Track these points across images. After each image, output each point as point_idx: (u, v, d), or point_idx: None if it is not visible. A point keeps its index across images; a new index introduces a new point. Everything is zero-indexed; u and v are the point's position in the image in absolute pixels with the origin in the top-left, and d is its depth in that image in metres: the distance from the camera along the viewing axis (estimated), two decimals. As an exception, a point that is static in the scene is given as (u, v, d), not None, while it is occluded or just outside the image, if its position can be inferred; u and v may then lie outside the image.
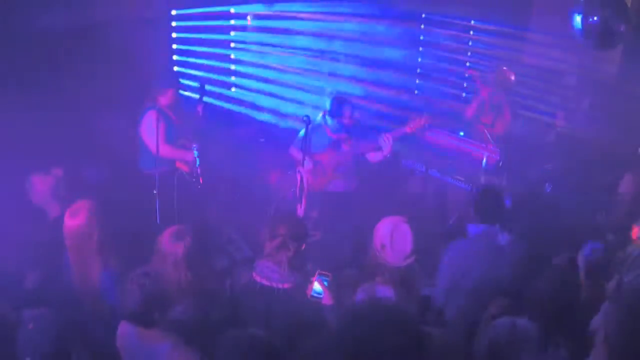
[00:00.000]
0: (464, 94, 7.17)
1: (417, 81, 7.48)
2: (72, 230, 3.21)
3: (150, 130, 4.59)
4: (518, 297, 2.77)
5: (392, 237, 2.90)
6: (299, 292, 2.84)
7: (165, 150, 4.65)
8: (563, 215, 4.37)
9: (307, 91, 6.85)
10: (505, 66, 5.94)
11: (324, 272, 2.78)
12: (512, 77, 5.70)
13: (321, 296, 2.85)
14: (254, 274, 2.90)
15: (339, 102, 4.85)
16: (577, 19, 5.07)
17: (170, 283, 2.80)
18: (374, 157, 4.92)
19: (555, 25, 5.94)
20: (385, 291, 2.89)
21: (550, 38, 6.30)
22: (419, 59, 7.47)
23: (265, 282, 2.85)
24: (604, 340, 1.98)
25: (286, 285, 2.83)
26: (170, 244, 3.10)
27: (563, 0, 5.25)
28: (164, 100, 4.79)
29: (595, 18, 5.00)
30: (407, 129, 4.79)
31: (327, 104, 4.94)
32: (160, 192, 4.51)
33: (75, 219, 3.21)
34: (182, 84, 5.49)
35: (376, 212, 3.27)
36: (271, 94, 7.03)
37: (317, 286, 2.81)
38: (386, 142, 4.71)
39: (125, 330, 2.70)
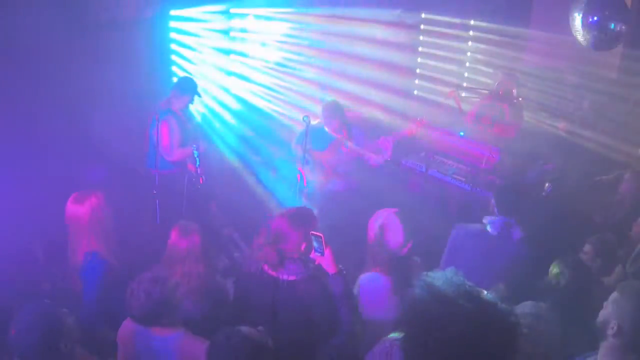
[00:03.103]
0: (462, 94, 7.13)
1: (417, 82, 7.47)
2: (73, 215, 3.24)
3: (169, 134, 4.67)
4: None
5: (384, 228, 3.01)
6: (305, 285, 2.77)
7: (180, 154, 4.79)
8: (563, 214, 4.36)
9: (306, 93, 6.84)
10: (506, 74, 5.83)
11: (315, 233, 2.69)
12: (514, 88, 5.56)
13: (320, 253, 2.71)
14: (263, 265, 2.81)
15: (330, 108, 4.85)
16: (577, 18, 5.08)
17: (178, 283, 2.76)
18: (374, 160, 4.92)
19: (555, 25, 5.95)
20: (383, 280, 3.00)
21: (550, 38, 6.31)
22: (419, 59, 7.47)
23: (272, 273, 2.76)
24: (616, 332, 1.95)
25: (292, 278, 2.75)
26: (179, 238, 3.13)
27: (563, 0, 5.25)
28: (178, 104, 4.86)
29: (595, 18, 5.01)
30: (407, 133, 4.80)
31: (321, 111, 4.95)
32: (167, 192, 4.54)
33: (80, 206, 3.22)
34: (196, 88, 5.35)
35: (375, 210, 3.26)
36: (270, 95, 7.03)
37: (315, 243, 2.69)
38: (386, 145, 4.70)
39: (130, 325, 2.67)
